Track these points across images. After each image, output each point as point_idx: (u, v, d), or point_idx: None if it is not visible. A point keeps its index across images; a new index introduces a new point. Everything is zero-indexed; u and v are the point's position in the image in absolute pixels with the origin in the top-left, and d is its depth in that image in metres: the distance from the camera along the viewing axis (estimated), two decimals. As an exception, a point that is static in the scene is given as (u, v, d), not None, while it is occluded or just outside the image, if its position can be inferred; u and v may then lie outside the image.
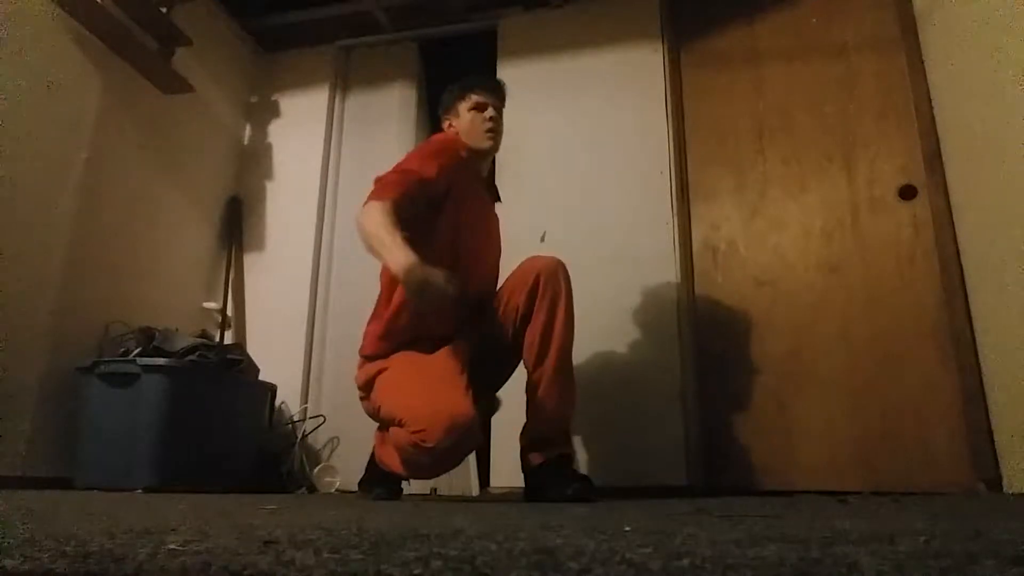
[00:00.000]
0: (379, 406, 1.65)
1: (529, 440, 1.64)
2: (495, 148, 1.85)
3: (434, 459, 1.49)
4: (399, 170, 1.63)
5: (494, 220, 1.94)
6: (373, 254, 1.50)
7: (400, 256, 1.41)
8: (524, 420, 1.68)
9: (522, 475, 1.69)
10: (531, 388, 1.64)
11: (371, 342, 1.75)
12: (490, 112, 1.81)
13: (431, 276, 1.38)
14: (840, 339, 2.23)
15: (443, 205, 1.70)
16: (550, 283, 1.64)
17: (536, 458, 1.62)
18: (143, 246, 2.52)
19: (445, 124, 1.88)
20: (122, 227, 2.42)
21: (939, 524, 0.75)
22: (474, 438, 1.52)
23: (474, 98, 1.82)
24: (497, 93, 1.86)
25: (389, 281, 1.72)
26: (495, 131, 1.81)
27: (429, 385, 1.56)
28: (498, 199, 1.99)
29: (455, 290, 1.40)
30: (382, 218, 1.48)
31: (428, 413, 1.46)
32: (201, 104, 2.82)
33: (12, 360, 1.98)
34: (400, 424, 1.52)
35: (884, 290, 2.21)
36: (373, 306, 1.80)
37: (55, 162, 2.17)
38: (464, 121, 1.82)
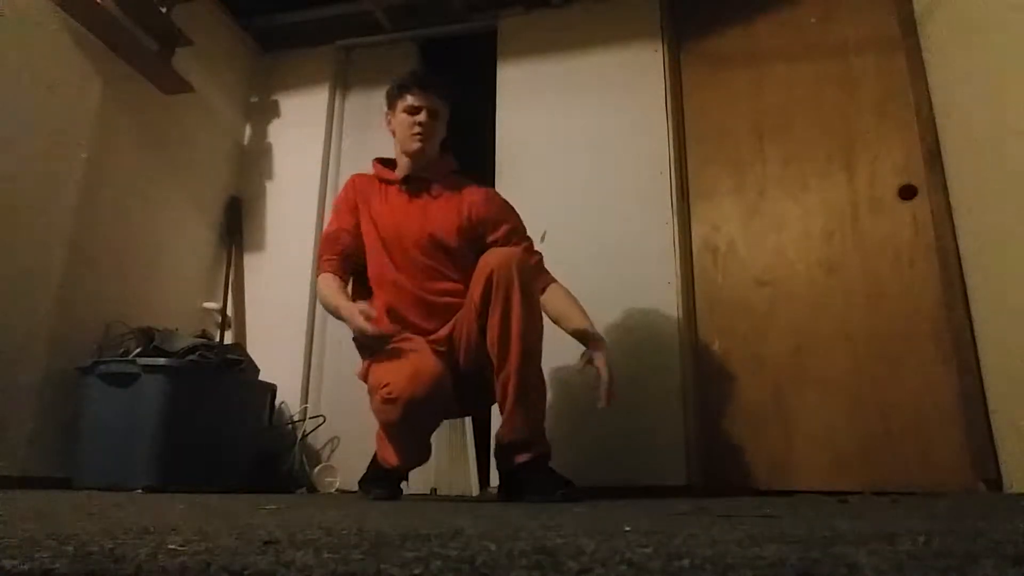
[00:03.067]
0: (368, 388, 1.71)
1: (503, 441, 1.62)
2: (423, 150, 1.89)
3: (402, 413, 1.54)
4: (325, 237, 1.92)
5: (432, 213, 1.88)
6: (332, 314, 1.80)
7: (342, 308, 1.70)
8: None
9: (498, 473, 1.70)
10: (500, 387, 1.61)
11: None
12: (421, 116, 1.87)
13: (359, 325, 1.61)
14: (840, 339, 2.23)
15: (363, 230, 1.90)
16: (503, 277, 1.60)
17: (513, 459, 1.61)
18: (143, 246, 2.52)
19: (386, 119, 1.97)
20: (122, 227, 2.42)
21: (939, 524, 0.75)
22: (441, 392, 1.58)
23: (408, 100, 1.89)
24: (430, 92, 1.89)
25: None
26: (423, 135, 1.87)
27: (401, 354, 1.66)
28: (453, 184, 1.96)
29: (369, 321, 1.61)
30: (327, 289, 1.80)
31: (394, 368, 1.59)
32: (201, 104, 2.82)
33: (12, 360, 1.98)
34: (374, 390, 1.61)
35: (884, 290, 2.22)
36: None
37: (55, 162, 2.17)
38: (398, 122, 1.92)
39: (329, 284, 1.81)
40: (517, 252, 1.68)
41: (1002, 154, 1.80)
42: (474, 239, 1.87)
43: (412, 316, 1.81)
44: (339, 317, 1.74)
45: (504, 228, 1.88)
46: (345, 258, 1.87)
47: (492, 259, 1.65)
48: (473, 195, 1.92)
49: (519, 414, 1.59)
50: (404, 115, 1.89)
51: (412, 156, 1.90)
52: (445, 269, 1.84)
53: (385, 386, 1.55)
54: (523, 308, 1.59)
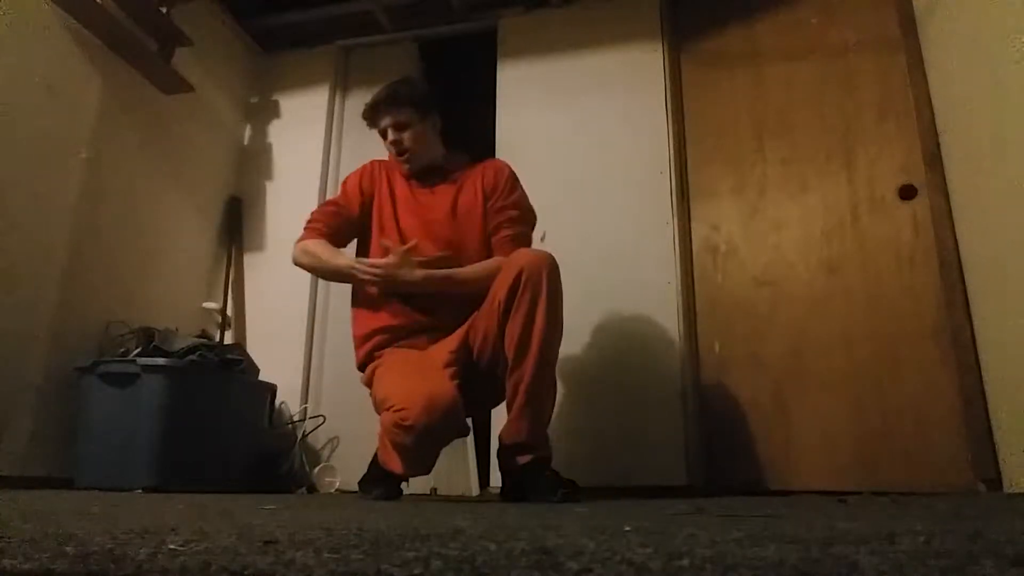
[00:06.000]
0: (375, 398, 1.70)
1: (508, 441, 1.62)
2: (414, 164, 1.91)
3: (415, 439, 1.52)
4: (324, 206, 1.95)
5: (447, 207, 1.89)
6: (323, 274, 1.91)
7: (343, 261, 1.77)
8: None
9: (500, 474, 1.69)
10: (511, 387, 1.60)
11: (357, 347, 1.86)
12: (390, 136, 1.89)
13: (371, 264, 1.70)
14: (840, 339, 2.23)
15: (371, 214, 1.91)
16: (532, 279, 1.58)
17: (516, 460, 1.60)
18: (143, 246, 2.52)
19: None
20: (122, 227, 2.42)
21: (939, 524, 0.75)
22: (455, 420, 1.55)
23: (377, 126, 1.93)
24: (384, 110, 1.89)
25: (361, 309, 1.89)
26: (400, 152, 1.89)
27: (413, 370, 1.64)
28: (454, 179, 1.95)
29: (394, 258, 1.69)
30: (316, 247, 1.82)
31: (408, 392, 1.54)
32: (201, 104, 2.82)
33: (12, 360, 1.98)
34: (387, 408, 1.57)
35: (884, 290, 2.21)
36: None
37: (55, 162, 2.17)
38: (385, 146, 1.95)
39: (323, 246, 1.82)
40: (548, 255, 1.66)
41: (1002, 154, 1.80)
42: (486, 213, 1.88)
43: (415, 308, 1.79)
44: (341, 275, 1.79)
45: (509, 213, 1.90)
46: (335, 233, 1.88)
47: (523, 259, 1.63)
48: (486, 167, 1.97)
49: (526, 417, 1.59)
50: (382, 139, 1.93)
51: (417, 164, 1.92)
52: (459, 261, 1.81)
53: (399, 411, 1.51)
54: (548, 312, 1.58)
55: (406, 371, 1.65)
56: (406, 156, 1.90)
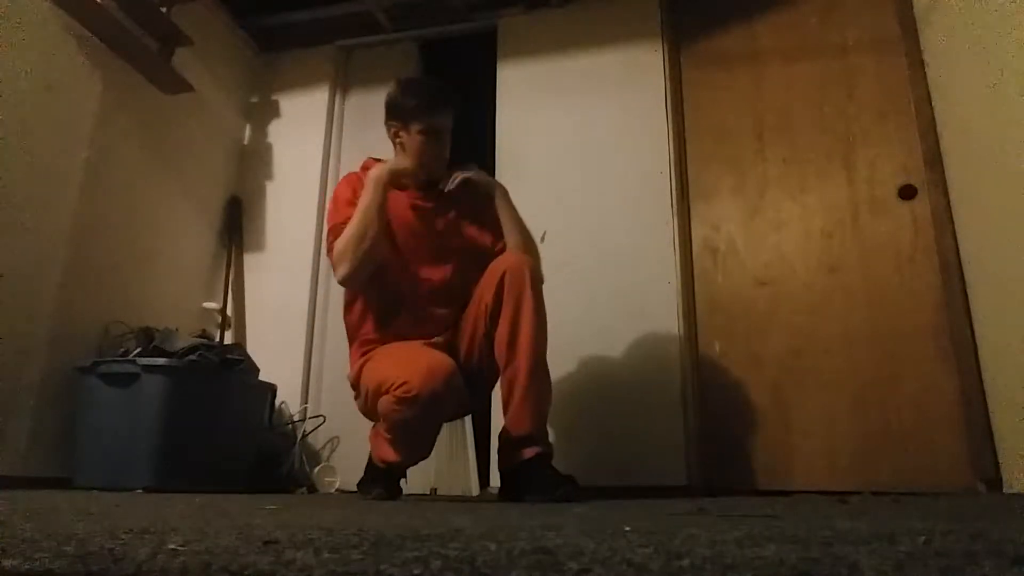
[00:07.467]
0: (368, 389, 1.69)
1: (507, 441, 1.63)
2: (438, 172, 1.86)
3: (421, 410, 1.53)
4: (337, 228, 1.78)
5: (445, 223, 1.88)
6: (368, 225, 1.72)
7: (371, 192, 1.74)
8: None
9: (500, 471, 1.70)
10: (505, 388, 1.63)
11: (353, 361, 1.83)
12: (438, 139, 1.84)
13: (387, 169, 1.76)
14: (840, 339, 2.23)
15: None
16: (515, 281, 1.64)
17: (515, 458, 1.61)
18: (143, 246, 2.52)
19: (391, 131, 1.88)
20: (122, 227, 2.42)
21: (939, 524, 0.75)
22: (457, 388, 1.57)
23: (425, 123, 1.81)
24: (445, 113, 1.84)
25: (352, 320, 1.85)
26: (442, 157, 1.87)
27: (408, 352, 1.67)
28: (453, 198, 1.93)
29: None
30: (343, 233, 1.73)
31: (407, 366, 1.57)
32: (201, 104, 2.82)
33: (12, 360, 1.98)
34: (385, 390, 1.57)
35: (884, 290, 2.21)
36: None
37: (55, 162, 2.17)
38: (414, 142, 1.83)
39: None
40: (528, 258, 1.71)
41: (1002, 154, 1.80)
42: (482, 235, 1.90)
43: (408, 318, 1.79)
44: (375, 208, 1.72)
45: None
46: None
47: (503, 263, 1.69)
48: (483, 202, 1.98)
49: (526, 409, 1.60)
50: (420, 136, 1.82)
51: (432, 174, 1.86)
52: (451, 279, 1.83)
53: (401, 385, 1.52)
54: (534, 311, 1.63)
55: (400, 354, 1.67)
56: (435, 163, 1.85)
